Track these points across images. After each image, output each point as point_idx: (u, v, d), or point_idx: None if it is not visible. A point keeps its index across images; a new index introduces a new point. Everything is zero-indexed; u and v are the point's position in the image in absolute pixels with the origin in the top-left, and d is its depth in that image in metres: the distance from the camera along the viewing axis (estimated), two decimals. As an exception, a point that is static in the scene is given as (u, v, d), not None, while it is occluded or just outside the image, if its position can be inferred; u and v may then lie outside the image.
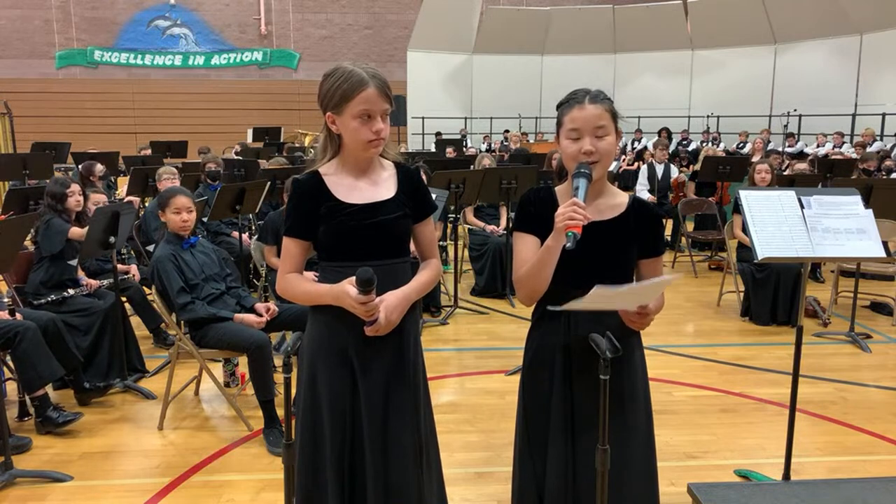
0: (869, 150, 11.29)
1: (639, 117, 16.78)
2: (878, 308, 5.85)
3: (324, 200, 1.95)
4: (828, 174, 7.89)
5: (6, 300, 3.83)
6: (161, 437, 3.54)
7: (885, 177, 8.96)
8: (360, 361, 1.96)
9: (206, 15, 21.97)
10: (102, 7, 21.32)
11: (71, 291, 4.15)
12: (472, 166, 7.09)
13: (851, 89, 15.68)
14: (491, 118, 18.53)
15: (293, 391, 1.98)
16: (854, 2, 14.98)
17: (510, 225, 5.65)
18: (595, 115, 1.85)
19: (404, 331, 2.00)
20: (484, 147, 17.02)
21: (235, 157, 9.90)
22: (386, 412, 1.97)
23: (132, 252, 5.49)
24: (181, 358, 3.65)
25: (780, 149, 13.57)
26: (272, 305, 3.69)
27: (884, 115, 13.89)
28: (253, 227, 6.73)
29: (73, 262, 4.24)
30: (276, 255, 4.65)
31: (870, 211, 2.66)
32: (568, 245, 1.72)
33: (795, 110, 15.59)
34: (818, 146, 13.89)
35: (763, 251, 2.54)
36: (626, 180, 12.64)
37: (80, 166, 7.49)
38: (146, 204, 6.94)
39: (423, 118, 18.00)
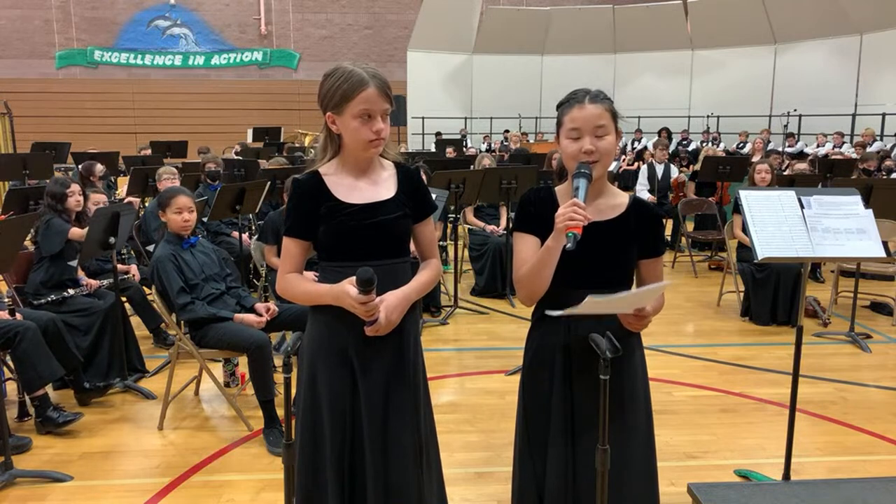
0: (869, 150, 11.29)
1: (639, 117, 16.79)
2: (878, 308, 5.85)
3: (324, 200, 1.95)
4: (828, 174, 7.89)
5: (6, 300, 3.83)
6: (161, 437, 3.54)
7: (885, 177, 8.96)
8: (360, 361, 1.96)
9: (206, 15, 21.97)
10: (102, 7, 21.32)
11: (71, 291, 4.15)
12: (472, 166, 7.09)
13: (851, 89, 15.69)
14: (491, 118, 18.53)
15: (293, 391, 1.98)
16: (854, 2, 14.98)
17: (510, 225, 5.65)
18: (595, 115, 1.85)
19: (404, 331, 2.00)
20: (484, 147, 17.02)
21: (235, 157, 9.90)
22: (386, 412, 1.97)
23: (132, 252, 5.49)
24: (181, 358, 3.65)
25: (780, 149, 13.57)
26: (272, 305, 3.69)
27: (884, 115, 13.90)
28: (253, 227, 6.73)
29: (73, 263, 4.24)
30: (276, 255, 4.65)
31: (870, 211, 2.66)
32: (568, 246, 1.72)
33: (795, 110, 15.59)
34: (818, 146, 13.90)
35: (763, 251, 2.54)
36: (626, 180, 12.64)
37: (80, 166, 7.49)
38: (146, 204, 6.94)
39: (423, 118, 18.00)
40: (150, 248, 5.32)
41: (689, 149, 15.65)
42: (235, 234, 5.81)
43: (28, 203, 5.47)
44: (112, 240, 4.00)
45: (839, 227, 2.60)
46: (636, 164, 14.21)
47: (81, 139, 15.83)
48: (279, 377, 3.10)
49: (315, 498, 2.01)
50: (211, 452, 3.34)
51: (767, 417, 3.75)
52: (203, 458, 3.29)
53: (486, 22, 18.90)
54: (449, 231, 7.02)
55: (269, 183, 5.86)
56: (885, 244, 3.24)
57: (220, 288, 3.66)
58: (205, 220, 5.51)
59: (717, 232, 7.26)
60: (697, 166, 8.80)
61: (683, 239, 7.99)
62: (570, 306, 1.76)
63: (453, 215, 6.58)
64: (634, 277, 2.01)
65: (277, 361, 3.73)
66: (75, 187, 4.38)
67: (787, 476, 2.84)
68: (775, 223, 2.60)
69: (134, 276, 4.93)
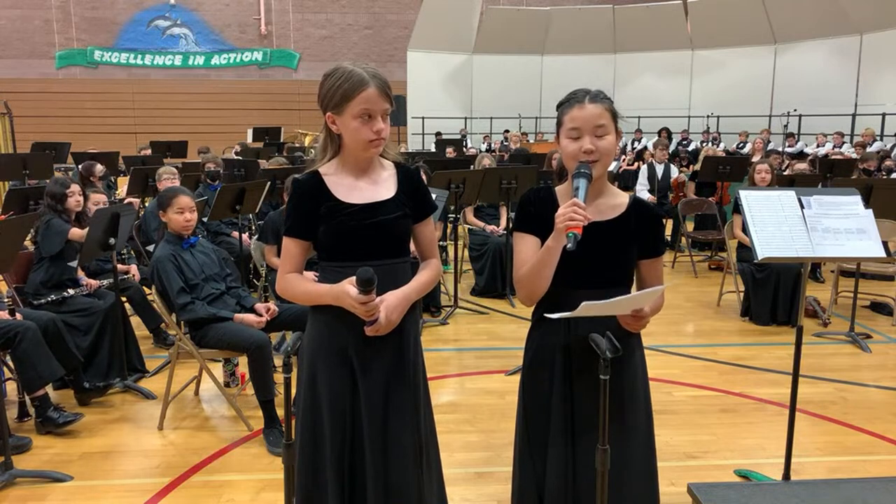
0: (869, 150, 11.29)
1: (639, 117, 16.79)
2: (878, 308, 5.84)
3: (324, 200, 1.95)
4: (828, 174, 7.89)
5: (6, 300, 3.83)
6: (161, 437, 3.54)
7: (885, 177, 8.96)
8: (360, 361, 1.96)
9: (206, 15, 21.97)
10: (102, 7, 21.32)
11: (71, 291, 4.15)
12: (472, 166, 7.09)
13: (851, 89, 15.69)
14: (491, 118, 18.53)
15: (293, 391, 1.98)
16: (854, 2, 14.98)
17: (510, 225, 5.65)
18: (595, 115, 1.86)
19: (404, 331, 2.00)
20: (484, 147, 17.02)
21: (235, 157, 9.90)
22: (386, 412, 1.97)
23: (132, 252, 5.49)
24: (181, 358, 3.65)
25: (780, 149, 13.57)
26: (272, 305, 3.69)
27: (884, 115, 13.90)
28: (253, 227, 6.73)
29: (74, 264, 4.24)
30: (276, 255, 4.65)
31: (870, 211, 2.66)
32: (569, 246, 1.72)
33: (795, 110, 15.59)
34: (818, 146, 13.90)
35: (763, 251, 2.54)
36: (626, 180, 12.64)
37: (80, 166, 7.49)
38: (146, 204, 6.94)
39: (423, 118, 18.00)
40: (150, 248, 5.32)
41: (689, 149, 15.65)
42: (235, 234, 5.82)
43: (28, 203, 5.47)
44: (112, 240, 4.00)
45: (839, 227, 2.60)
46: (636, 164, 14.21)
47: (81, 139, 15.83)
48: (279, 377, 3.10)
49: (315, 498, 2.01)
50: (211, 452, 3.34)
51: (767, 417, 3.75)
52: (203, 458, 3.29)
53: (486, 22, 18.90)
54: (449, 231, 7.02)
55: (269, 183, 5.86)
56: (885, 244, 3.24)
57: (220, 288, 3.66)
58: (205, 220, 5.51)
59: (717, 232, 7.26)
60: (697, 166, 8.80)
61: (683, 239, 7.99)
62: (569, 307, 1.76)
63: (453, 215, 6.58)
64: (634, 277, 2.01)
65: (277, 361, 3.73)
66: (75, 187, 4.38)
67: (787, 476, 2.84)
68: (775, 223, 2.60)
69: (134, 276, 4.93)
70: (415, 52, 18.51)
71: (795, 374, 2.79)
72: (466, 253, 6.57)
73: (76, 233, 4.19)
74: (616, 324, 1.89)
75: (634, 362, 1.99)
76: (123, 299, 4.43)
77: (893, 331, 5.35)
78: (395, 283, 1.96)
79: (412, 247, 2.10)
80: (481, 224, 6.54)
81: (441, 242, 6.81)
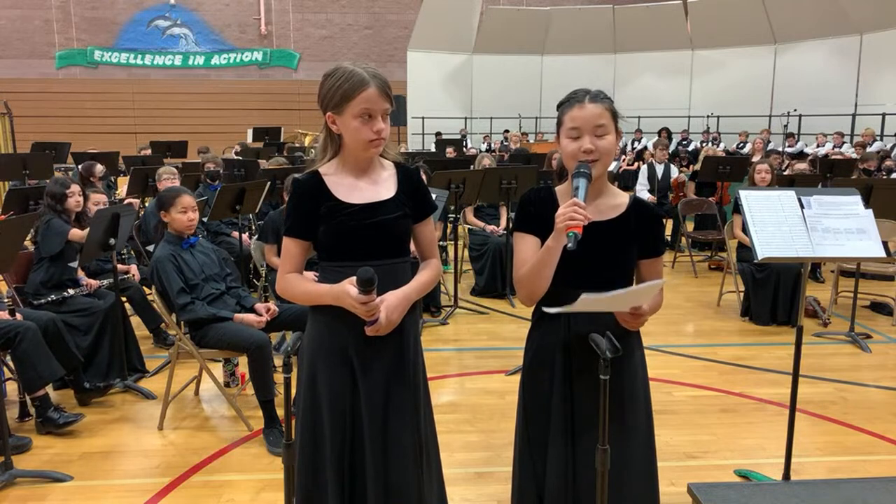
0: (869, 150, 11.29)
1: (639, 117, 16.79)
2: (878, 308, 5.85)
3: (324, 200, 1.95)
4: (828, 174, 7.89)
5: (6, 300, 3.83)
6: (161, 437, 3.54)
7: (885, 177, 8.96)
8: (360, 361, 1.96)
9: (206, 15, 21.97)
10: (102, 7, 21.33)
11: (71, 291, 4.15)
12: (472, 166, 7.09)
13: (851, 89, 15.69)
14: (491, 118, 18.53)
15: (293, 391, 1.98)
16: (854, 2, 14.98)
17: (510, 225, 5.65)
18: (595, 114, 1.86)
19: (404, 331, 2.00)
20: (484, 147, 17.02)
21: (235, 157, 9.90)
22: (386, 412, 1.97)
23: (132, 252, 5.50)
24: (181, 358, 3.65)
25: (780, 149, 13.57)
26: (272, 305, 3.69)
27: (884, 115, 13.90)
28: (253, 227, 6.73)
29: (74, 264, 4.24)
30: (276, 255, 4.65)
31: (870, 211, 2.66)
32: (569, 245, 1.72)
33: (795, 110, 15.59)
34: (818, 146, 13.90)
35: (763, 251, 2.54)
36: (626, 180, 12.64)
37: (80, 166, 7.49)
38: (146, 204, 6.94)
39: (423, 118, 18.00)
40: (150, 248, 5.32)
41: (689, 149, 15.65)
42: (235, 234, 5.82)
43: (28, 203, 5.47)
44: (112, 240, 4.00)
45: (839, 227, 2.60)
46: (636, 164, 14.21)
47: (81, 139, 15.83)
48: (279, 377, 3.10)
49: (315, 498, 2.01)
50: (211, 452, 3.34)
51: (767, 417, 3.75)
52: (203, 458, 3.29)
53: (486, 22, 18.90)
54: (449, 231, 7.02)
55: (269, 183, 5.86)
56: (885, 244, 3.24)
57: (220, 288, 3.66)
58: (205, 220, 5.51)
59: (717, 232, 7.26)
60: (697, 166, 8.80)
61: (683, 239, 7.99)
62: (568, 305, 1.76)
63: (453, 215, 6.58)
64: (634, 277, 2.01)
65: (277, 361, 3.73)
66: (75, 188, 4.38)
67: (787, 476, 2.84)
68: (775, 223, 2.60)
69: (134, 276, 4.93)
70: (415, 52, 18.51)
71: (795, 374, 2.79)
72: (466, 253, 6.57)
73: (76, 233, 4.19)
74: (615, 323, 1.89)
75: (634, 362, 1.99)
76: (123, 299, 4.43)
77: (893, 331, 5.35)
78: (396, 283, 1.95)
79: (412, 247, 2.10)
80: (481, 224, 6.54)
81: (441, 242, 6.81)
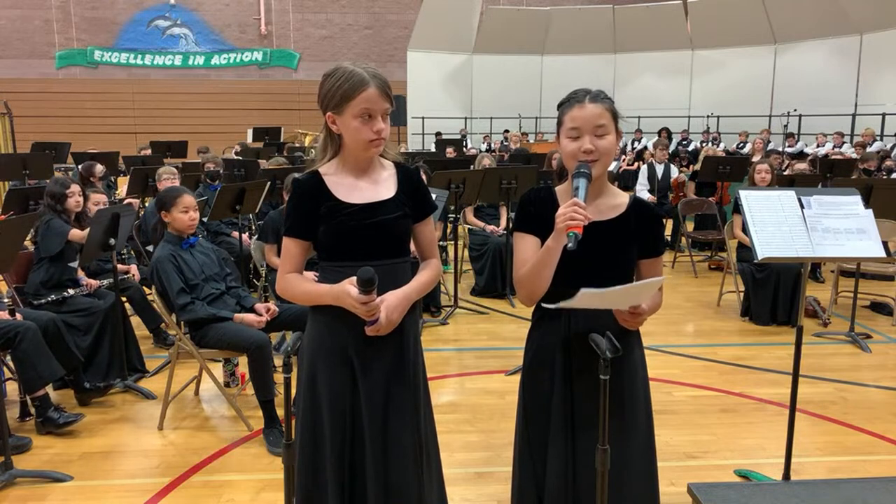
0: (869, 150, 11.30)
1: (639, 117, 16.79)
2: (878, 308, 5.84)
3: (324, 200, 1.95)
4: (828, 174, 7.89)
5: (6, 300, 3.83)
6: (161, 437, 3.54)
7: (885, 177, 8.96)
8: (360, 361, 1.96)
9: (206, 15, 21.97)
10: (102, 7, 21.33)
11: (71, 291, 4.15)
12: (472, 166, 7.09)
13: (851, 89, 15.69)
14: (491, 118, 18.53)
15: (293, 391, 1.98)
16: (854, 2, 14.98)
17: (510, 225, 5.65)
18: (595, 115, 1.86)
19: (404, 331, 2.00)
20: (484, 147, 17.02)
21: (235, 157, 9.90)
22: (386, 412, 1.97)
23: (132, 252, 5.50)
24: (181, 358, 3.65)
25: (780, 149, 13.57)
26: (272, 305, 3.69)
27: (884, 115, 13.90)
28: (253, 227, 6.73)
29: (74, 265, 4.24)
30: (276, 255, 4.66)
31: (870, 211, 2.66)
32: (569, 245, 1.72)
33: (795, 110, 15.59)
34: (818, 146, 13.90)
35: (763, 251, 2.54)
36: (626, 180, 12.64)
37: (80, 166, 7.49)
38: (146, 204, 6.94)
39: (423, 118, 18.00)
40: (150, 248, 5.32)
41: (689, 149, 15.65)
42: (235, 234, 5.82)
43: (28, 203, 5.47)
44: (112, 240, 4.00)
45: (839, 227, 2.60)
46: (636, 164, 14.21)
47: (81, 139, 15.83)
48: (279, 377, 3.10)
49: (315, 498, 2.01)
50: (211, 452, 3.34)
51: (767, 417, 3.75)
52: (203, 458, 3.29)
53: (486, 22, 18.90)
54: (449, 231, 7.02)
55: (269, 183, 5.86)
56: (885, 244, 3.24)
57: (220, 288, 3.66)
58: (205, 220, 5.51)
59: (717, 232, 7.26)
60: (697, 166, 8.80)
61: (683, 239, 7.99)
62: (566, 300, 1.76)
63: (453, 215, 6.58)
64: (634, 277, 2.01)
65: (277, 361, 3.73)
66: (75, 188, 4.38)
67: (787, 476, 2.84)
68: (775, 223, 2.60)
69: (134, 276, 4.94)
70: (415, 52, 18.51)
71: (795, 374, 2.79)
72: (466, 253, 6.57)
73: (76, 234, 4.18)
74: (615, 323, 1.89)
75: (634, 361, 1.99)
76: (123, 299, 4.43)
77: (893, 331, 5.35)
78: (396, 283, 1.95)
79: (412, 247, 2.10)
80: (481, 224, 6.54)
81: (441, 242, 6.81)
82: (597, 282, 1.78)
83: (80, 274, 4.34)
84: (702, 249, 8.18)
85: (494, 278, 6.23)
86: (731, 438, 3.48)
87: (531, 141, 17.22)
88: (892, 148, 12.82)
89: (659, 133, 15.82)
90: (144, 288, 4.93)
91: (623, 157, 15.26)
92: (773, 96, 17.19)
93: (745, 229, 2.66)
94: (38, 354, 3.41)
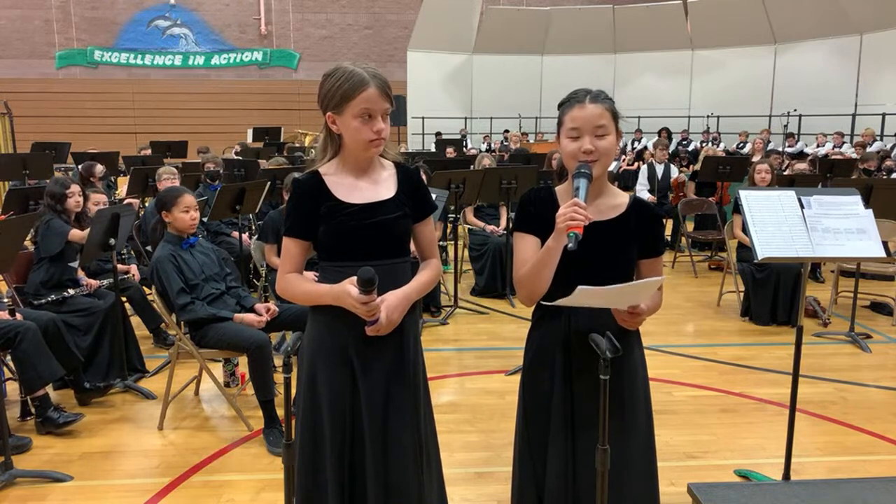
0: (869, 150, 11.29)
1: (639, 117, 16.79)
2: (878, 308, 5.85)
3: (324, 200, 1.95)
4: (828, 174, 7.89)
5: (6, 300, 3.83)
6: (161, 437, 3.54)
7: (885, 177, 8.96)
8: (360, 361, 1.96)
9: (206, 15, 21.97)
10: (102, 7, 21.33)
11: (71, 291, 4.15)
12: (472, 166, 7.09)
13: (851, 89, 15.69)
14: (491, 118, 18.53)
15: (293, 391, 1.98)
16: (854, 2, 14.98)
17: (510, 225, 5.65)
18: (595, 115, 1.86)
19: (404, 331, 2.00)
20: (484, 147, 17.02)
21: (235, 157, 9.90)
22: (386, 412, 1.97)
23: (132, 252, 5.50)
24: (181, 358, 3.65)
25: (780, 149, 13.57)
26: (272, 305, 3.69)
27: (884, 115, 13.90)
28: (253, 227, 6.73)
29: (74, 265, 4.24)
30: (276, 254, 4.66)
31: (870, 211, 2.66)
32: (570, 246, 1.72)
33: (795, 110, 15.59)
34: (818, 146, 13.90)
35: (763, 251, 2.54)
36: (626, 180, 12.64)
37: (80, 167, 7.49)
38: (146, 204, 6.94)
39: (423, 118, 18.00)
40: (150, 248, 5.31)
41: (689, 149, 15.65)
42: (235, 234, 5.82)
43: (28, 203, 5.47)
44: (112, 241, 4.00)
45: (839, 227, 2.60)
46: (636, 164, 14.21)
47: (81, 139, 15.83)
48: (279, 377, 3.10)
49: (315, 498, 2.01)
50: (211, 452, 3.34)
51: (767, 417, 3.75)
52: (203, 458, 3.29)
53: (486, 22, 18.90)
54: (449, 231, 7.02)
55: (269, 183, 5.86)
56: (885, 244, 3.24)
57: (220, 288, 3.66)
58: (205, 220, 5.51)
59: (717, 232, 7.26)
60: (697, 166, 8.80)
61: (683, 239, 7.99)
62: (568, 306, 1.76)
63: (453, 215, 6.58)
64: (634, 277, 2.00)
65: (277, 361, 3.73)
66: (75, 188, 4.38)
67: (787, 476, 2.84)
68: (775, 223, 2.60)
69: (134, 276, 4.94)
70: (415, 52, 18.51)
71: (795, 374, 2.79)
72: (466, 253, 6.57)
73: (76, 234, 4.18)
74: (615, 323, 1.89)
75: (634, 360, 1.99)
76: (123, 299, 4.43)
77: (893, 331, 5.35)
78: (396, 283, 1.95)
79: (412, 247, 2.10)
80: (481, 224, 6.54)
81: (441, 242, 6.81)
82: (597, 282, 1.78)
83: (80, 274, 4.34)
84: (702, 249, 8.18)
85: (494, 278, 6.23)
86: (731, 438, 3.48)
87: (531, 141, 17.22)
88: (892, 148, 12.82)
89: (659, 133, 15.82)
90: (144, 288, 4.93)
91: (623, 157, 15.26)
92: (773, 96, 17.19)
93: (745, 229, 2.67)
94: (38, 354, 3.41)
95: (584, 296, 1.70)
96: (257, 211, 6.05)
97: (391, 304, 1.90)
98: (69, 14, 21.10)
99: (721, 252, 7.51)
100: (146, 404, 3.95)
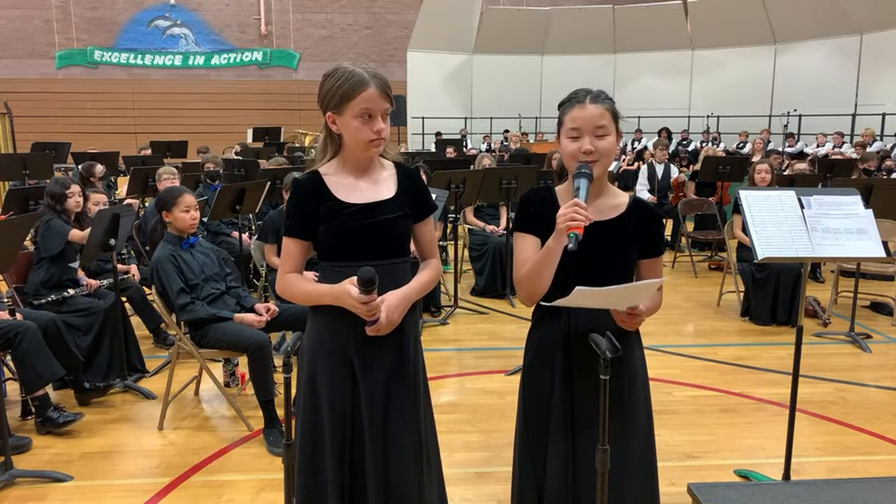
0: (869, 150, 11.29)
1: (639, 117, 16.79)
2: (878, 308, 5.85)
3: (324, 200, 1.95)
4: (828, 174, 7.89)
5: (6, 300, 3.83)
6: (161, 437, 3.54)
7: (885, 177, 8.96)
8: (360, 361, 1.96)
9: (206, 15, 21.97)
10: (102, 7, 21.33)
11: (71, 291, 4.15)
12: (472, 166, 7.09)
13: (851, 89, 15.69)
14: (491, 118, 18.53)
15: (293, 391, 1.98)
16: (854, 2, 14.98)
17: (510, 225, 5.65)
18: (596, 115, 1.86)
19: (405, 331, 2.00)
20: (484, 147, 17.02)
21: (235, 157, 9.90)
22: (386, 412, 1.97)
23: (132, 252, 5.50)
24: (181, 358, 3.65)
25: (780, 149, 13.57)
26: (272, 305, 3.69)
27: (884, 115, 13.90)
28: (253, 227, 6.73)
29: (74, 265, 4.24)
30: (276, 254, 4.66)
31: (870, 211, 2.66)
32: (570, 246, 1.73)
33: (795, 110, 15.59)
34: (818, 146, 13.90)
35: (763, 251, 2.54)
36: (626, 180, 12.65)
37: (80, 167, 7.49)
38: (146, 204, 6.94)
39: (423, 118, 18.00)
40: (150, 247, 5.31)
41: (689, 149, 15.65)
42: (235, 234, 5.82)
43: (28, 203, 5.47)
44: (112, 241, 4.00)
45: (839, 227, 2.60)
46: (636, 164, 14.21)
47: (81, 139, 15.83)
48: (279, 377, 3.10)
49: (315, 498, 2.01)
50: (211, 452, 3.34)
51: (767, 417, 3.75)
52: (203, 458, 3.29)
53: (486, 22, 18.90)
54: (449, 231, 7.02)
55: (269, 183, 5.86)
56: (885, 244, 3.24)
57: (220, 288, 3.66)
58: (205, 220, 5.51)
59: (717, 232, 7.26)
60: (697, 166, 8.80)
61: (683, 239, 7.99)
62: (567, 306, 1.76)
63: (453, 215, 6.58)
64: (634, 277, 2.01)
65: (277, 361, 3.73)
66: (75, 188, 4.38)
67: (787, 476, 2.84)
68: (775, 223, 2.60)
69: (134, 276, 4.93)
70: (415, 52, 18.51)
71: (795, 374, 2.79)
72: (466, 253, 6.57)
73: (76, 234, 4.18)
74: (615, 323, 1.89)
75: (634, 360, 1.99)
76: (123, 299, 4.43)
77: (893, 331, 5.35)
78: (396, 283, 1.95)
79: (412, 247, 2.10)
80: (481, 224, 6.54)
81: (441, 242, 6.81)
82: (597, 282, 1.79)
83: (80, 274, 4.35)
84: (702, 249, 8.18)
85: (494, 278, 6.23)
86: (731, 438, 3.48)
87: (531, 141, 17.22)
88: (892, 148, 12.82)
89: (659, 133, 15.82)
90: (144, 288, 4.93)
91: (623, 157, 15.26)
92: (773, 96, 17.19)
93: (745, 229, 2.66)
94: (38, 354, 3.41)
95: (582, 297, 1.70)
96: (257, 211, 6.05)
97: (391, 304, 1.90)
98: (69, 14, 21.10)
99: (721, 252, 7.51)
100: (146, 404, 3.95)
